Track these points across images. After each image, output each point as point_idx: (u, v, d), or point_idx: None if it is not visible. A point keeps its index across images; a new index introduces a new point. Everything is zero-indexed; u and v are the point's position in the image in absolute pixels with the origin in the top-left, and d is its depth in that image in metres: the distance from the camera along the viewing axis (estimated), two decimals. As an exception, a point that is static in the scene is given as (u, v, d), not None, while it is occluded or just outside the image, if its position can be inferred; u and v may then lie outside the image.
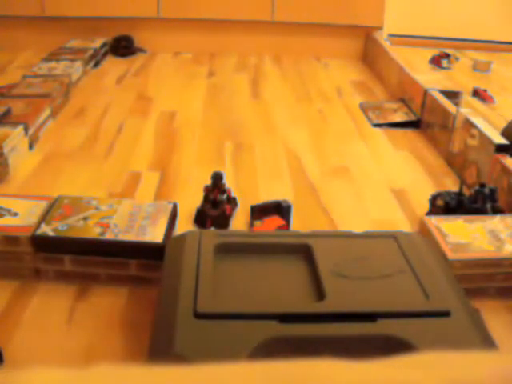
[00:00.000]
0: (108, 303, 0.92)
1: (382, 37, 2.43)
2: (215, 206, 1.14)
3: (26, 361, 0.78)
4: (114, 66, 2.28)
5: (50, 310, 0.90)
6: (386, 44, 2.33)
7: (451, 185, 1.35)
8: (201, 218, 1.13)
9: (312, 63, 2.46)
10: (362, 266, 0.84)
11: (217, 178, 1.15)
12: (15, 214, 1.00)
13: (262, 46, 2.52)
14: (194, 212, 1.15)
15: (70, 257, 0.95)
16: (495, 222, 1.03)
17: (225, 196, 1.16)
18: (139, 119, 1.72)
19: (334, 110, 1.88)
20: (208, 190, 1.15)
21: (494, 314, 0.90)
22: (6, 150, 1.31)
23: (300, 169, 1.42)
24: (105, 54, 2.36)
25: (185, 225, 1.12)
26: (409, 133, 1.69)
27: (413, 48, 2.66)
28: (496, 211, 1.09)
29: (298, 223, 1.15)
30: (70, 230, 0.96)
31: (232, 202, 1.18)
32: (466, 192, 1.17)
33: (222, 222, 1.13)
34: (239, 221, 1.17)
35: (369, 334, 0.71)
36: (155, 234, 0.96)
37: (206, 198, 1.15)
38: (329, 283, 0.79)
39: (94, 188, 1.27)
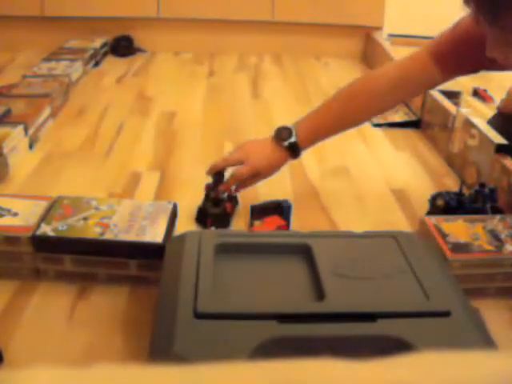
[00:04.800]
0: (108, 303, 0.92)
1: (381, 37, 2.43)
2: (216, 204, 1.14)
3: (26, 361, 0.78)
4: (113, 65, 2.28)
5: (50, 309, 0.90)
6: (386, 44, 2.33)
7: (451, 185, 1.35)
8: (202, 216, 1.14)
9: (312, 63, 2.46)
10: (362, 266, 0.84)
11: (218, 176, 1.15)
12: (15, 214, 1.00)
13: (262, 46, 2.52)
14: (194, 212, 1.15)
15: (70, 257, 0.95)
16: (495, 222, 1.03)
17: (225, 194, 1.16)
18: (139, 119, 1.72)
19: (334, 109, 1.87)
20: (209, 189, 1.16)
21: (494, 314, 0.90)
22: (6, 150, 1.31)
23: (300, 169, 1.42)
24: (105, 54, 2.36)
25: (185, 225, 1.12)
26: (409, 133, 1.69)
27: (413, 48, 2.65)
28: (496, 211, 1.09)
29: (298, 223, 1.15)
30: (69, 229, 0.96)
31: (233, 200, 1.19)
32: (466, 192, 1.17)
33: (223, 220, 1.13)
34: (239, 221, 1.17)
35: (369, 335, 0.71)
36: (155, 234, 0.96)
37: (207, 197, 1.15)
38: (329, 283, 0.79)
39: (94, 188, 1.27)
